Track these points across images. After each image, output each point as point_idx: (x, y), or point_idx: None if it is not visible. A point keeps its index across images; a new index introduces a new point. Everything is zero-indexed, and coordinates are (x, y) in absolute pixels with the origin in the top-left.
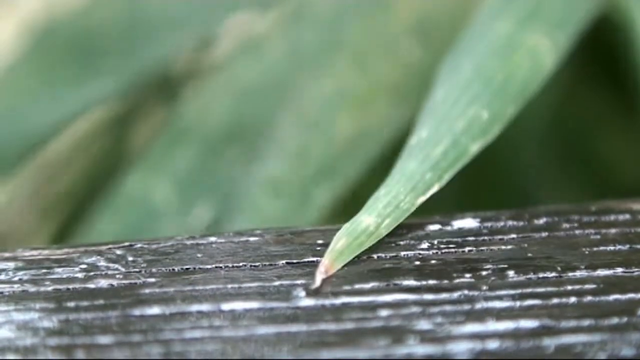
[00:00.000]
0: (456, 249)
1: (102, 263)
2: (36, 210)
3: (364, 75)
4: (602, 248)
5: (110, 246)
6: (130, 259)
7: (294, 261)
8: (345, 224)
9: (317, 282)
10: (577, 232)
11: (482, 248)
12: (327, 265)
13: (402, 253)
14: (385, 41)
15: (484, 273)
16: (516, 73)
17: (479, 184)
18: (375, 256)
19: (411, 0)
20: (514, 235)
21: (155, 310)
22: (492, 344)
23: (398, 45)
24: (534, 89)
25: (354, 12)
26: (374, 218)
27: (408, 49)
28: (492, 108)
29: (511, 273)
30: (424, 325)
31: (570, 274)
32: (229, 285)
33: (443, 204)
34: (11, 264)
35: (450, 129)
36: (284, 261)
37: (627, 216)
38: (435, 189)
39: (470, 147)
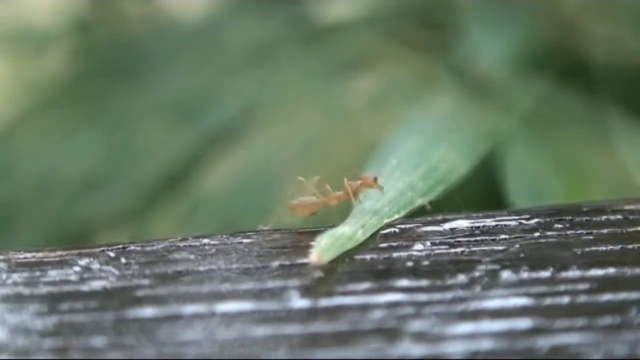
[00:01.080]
0: (449, 250)
1: (96, 265)
2: None
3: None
4: (594, 248)
5: (104, 248)
6: (124, 260)
7: (287, 262)
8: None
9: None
10: (569, 232)
11: (475, 249)
12: (318, 257)
13: (395, 254)
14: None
15: (477, 273)
16: (437, 169)
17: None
18: (368, 257)
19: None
20: (506, 236)
21: (148, 312)
22: (486, 344)
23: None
24: (459, 176)
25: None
26: (348, 227)
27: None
28: (426, 180)
29: (504, 273)
30: (417, 325)
31: (564, 274)
32: (223, 287)
33: (436, 205)
34: (4, 266)
35: (394, 186)
36: (277, 262)
37: (619, 216)
38: (396, 217)
39: (416, 199)
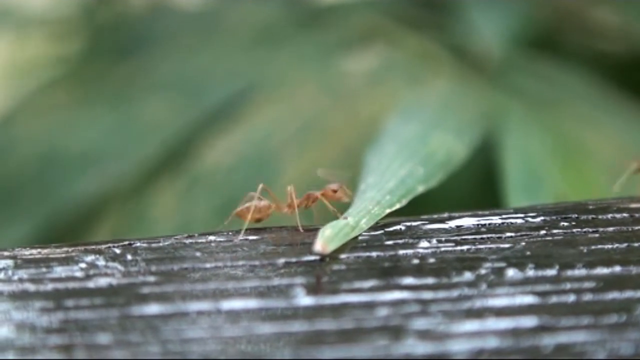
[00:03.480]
0: (455, 248)
1: (101, 262)
2: None
3: None
4: (600, 246)
5: (109, 245)
6: (130, 257)
7: (293, 260)
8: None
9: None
10: (575, 230)
11: (481, 246)
12: (322, 246)
13: (401, 252)
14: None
15: (482, 271)
16: (436, 153)
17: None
18: (374, 254)
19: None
20: (512, 234)
21: (154, 309)
22: (491, 343)
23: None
24: (459, 160)
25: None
26: (351, 218)
27: None
28: (426, 166)
29: (510, 271)
30: (423, 323)
31: (569, 272)
32: (229, 284)
33: (440, 203)
34: (10, 263)
35: (395, 174)
36: (283, 260)
37: (625, 214)
38: (397, 206)
39: (417, 186)
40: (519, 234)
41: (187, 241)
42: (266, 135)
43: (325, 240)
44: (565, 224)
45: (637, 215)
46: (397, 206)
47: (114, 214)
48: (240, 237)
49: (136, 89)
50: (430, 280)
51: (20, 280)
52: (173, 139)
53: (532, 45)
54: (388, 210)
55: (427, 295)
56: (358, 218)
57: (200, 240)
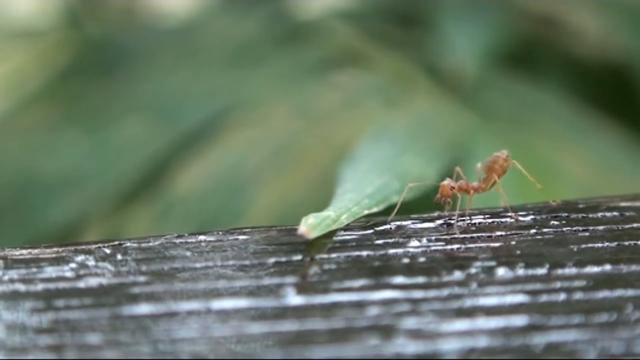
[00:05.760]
0: (445, 247)
1: (92, 262)
2: None
3: None
4: (590, 245)
5: (99, 245)
6: (120, 257)
7: (283, 260)
8: None
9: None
10: (565, 229)
11: (471, 245)
12: (306, 232)
13: (391, 251)
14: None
15: (472, 270)
16: (409, 172)
17: None
18: (364, 254)
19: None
20: (502, 233)
21: (144, 309)
22: (482, 342)
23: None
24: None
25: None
26: (333, 212)
27: None
28: (401, 181)
29: (500, 270)
30: (413, 323)
31: (559, 270)
32: (219, 284)
33: (429, 202)
34: (0, 263)
35: (371, 183)
36: (273, 259)
37: (615, 213)
38: (375, 209)
39: (392, 197)
40: (509, 232)
41: (177, 241)
42: (240, 159)
43: (309, 227)
44: (556, 222)
45: (627, 213)
46: (375, 209)
47: (88, 238)
48: (231, 236)
49: (112, 110)
50: (420, 280)
51: (11, 280)
52: (148, 163)
53: (509, 58)
54: (367, 212)
55: (418, 294)
56: (339, 213)
57: (190, 240)
